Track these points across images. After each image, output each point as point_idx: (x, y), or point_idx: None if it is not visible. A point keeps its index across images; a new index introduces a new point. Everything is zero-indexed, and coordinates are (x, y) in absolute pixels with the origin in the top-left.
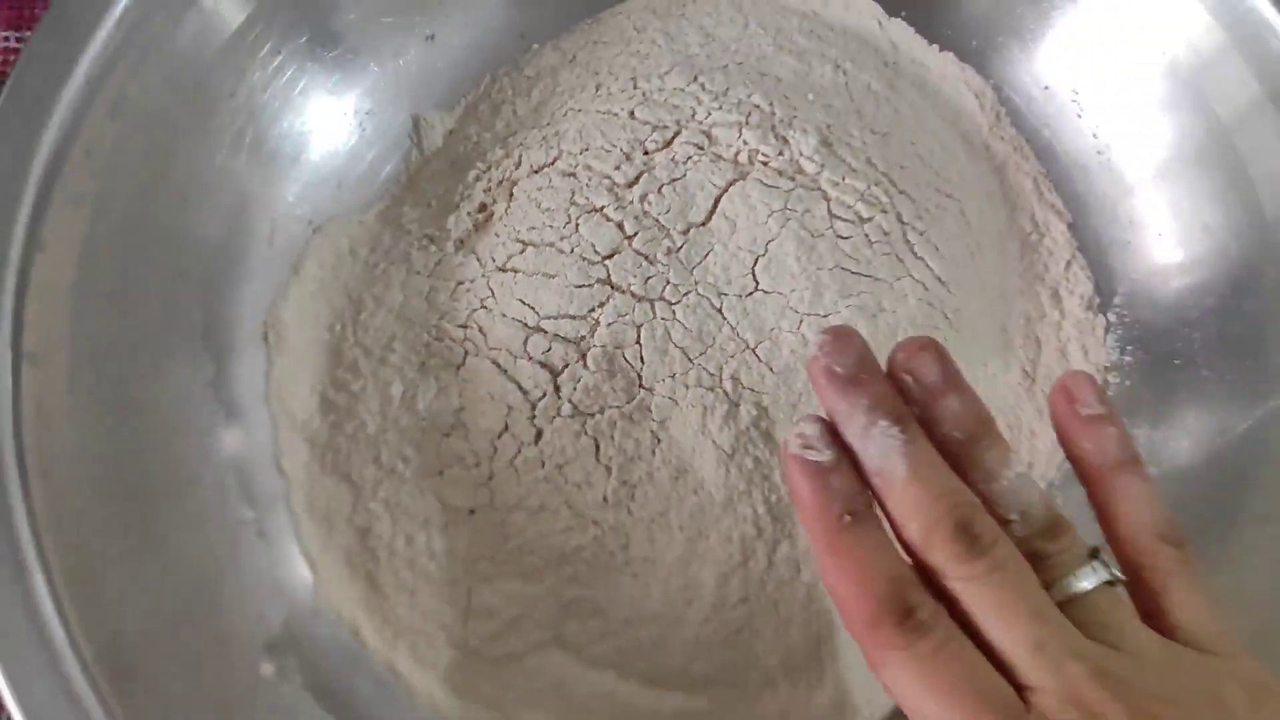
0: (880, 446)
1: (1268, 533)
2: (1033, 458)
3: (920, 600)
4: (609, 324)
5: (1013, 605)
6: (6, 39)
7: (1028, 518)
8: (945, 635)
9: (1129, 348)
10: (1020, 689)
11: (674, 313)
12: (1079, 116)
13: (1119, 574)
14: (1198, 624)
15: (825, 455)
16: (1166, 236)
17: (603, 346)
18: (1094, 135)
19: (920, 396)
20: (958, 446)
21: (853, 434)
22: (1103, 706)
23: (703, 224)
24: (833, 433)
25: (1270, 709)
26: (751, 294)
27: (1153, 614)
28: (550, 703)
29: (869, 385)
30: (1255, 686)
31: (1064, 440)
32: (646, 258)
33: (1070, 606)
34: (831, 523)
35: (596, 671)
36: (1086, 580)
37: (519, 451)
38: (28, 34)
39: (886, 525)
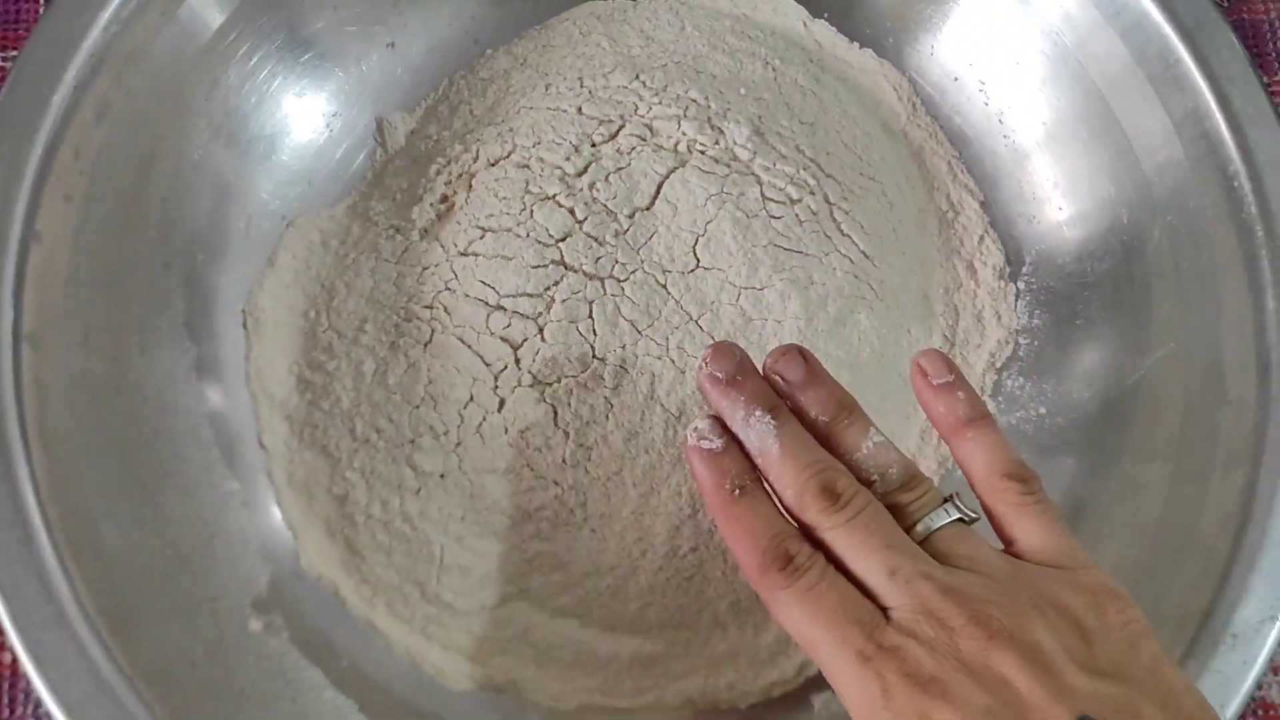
0: (758, 432)
1: (1155, 469)
2: None
3: (798, 549)
4: (563, 300)
5: (870, 542)
6: None
7: (886, 477)
8: (819, 573)
9: (1037, 311)
10: (884, 610)
11: (623, 289)
12: (986, 104)
13: (970, 513)
14: (1045, 545)
15: (715, 443)
16: (1065, 209)
17: (558, 321)
18: (1000, 120)
19: (788, 390)
20: (824, 427)
21: (736, 424)
22: (947, 613)
23: (647, 208)
24: (722, 425)
25: (1113, 610)
26: (693, 271)
27: (1008, 543)
28: (518, 650)
29: (745, 385)
30: (1099, 590)
31: (924, 406)
32: (596, 240)
33: (927, 543)
34: (725, 496)
35: (560, 620)
36: (939, 519)
37: (484, 419)
38: (14, 53)
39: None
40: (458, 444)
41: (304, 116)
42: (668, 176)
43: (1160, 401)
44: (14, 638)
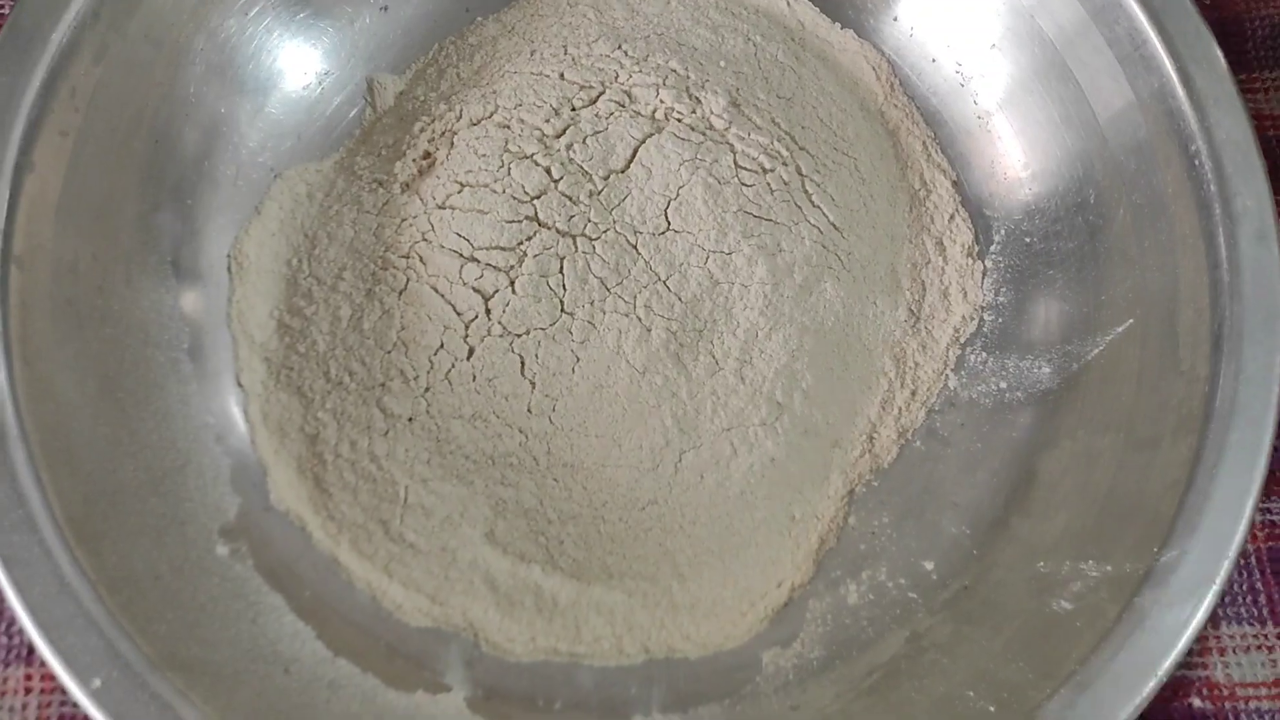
0: None
1: (1108, 439)
2: (915, 387)
3: None
4: (535, 255)
5: None
6: None
7: None
8: None
9: (1003, 289)
10: None
11: (594, 248)
12: (961, 85)
13: None
14: None
15: None
16: (1035, 189)
17: (529, 275)
18: (974, 102)
19: None
20: None
21: None
22: None
23: (622, 171)
24: None
25: None
26: (664, 233)
27: None
28: (479, 592)
29: None
30: None
31: None
32: (570, 199)
33: None
34: None
35: (525, 565)
36: None
37: (453, 366)
38: None
39: None
40: (426, 389)
41: (297, 72)
42: (644, 141)
43: (1117, 374)
44: None
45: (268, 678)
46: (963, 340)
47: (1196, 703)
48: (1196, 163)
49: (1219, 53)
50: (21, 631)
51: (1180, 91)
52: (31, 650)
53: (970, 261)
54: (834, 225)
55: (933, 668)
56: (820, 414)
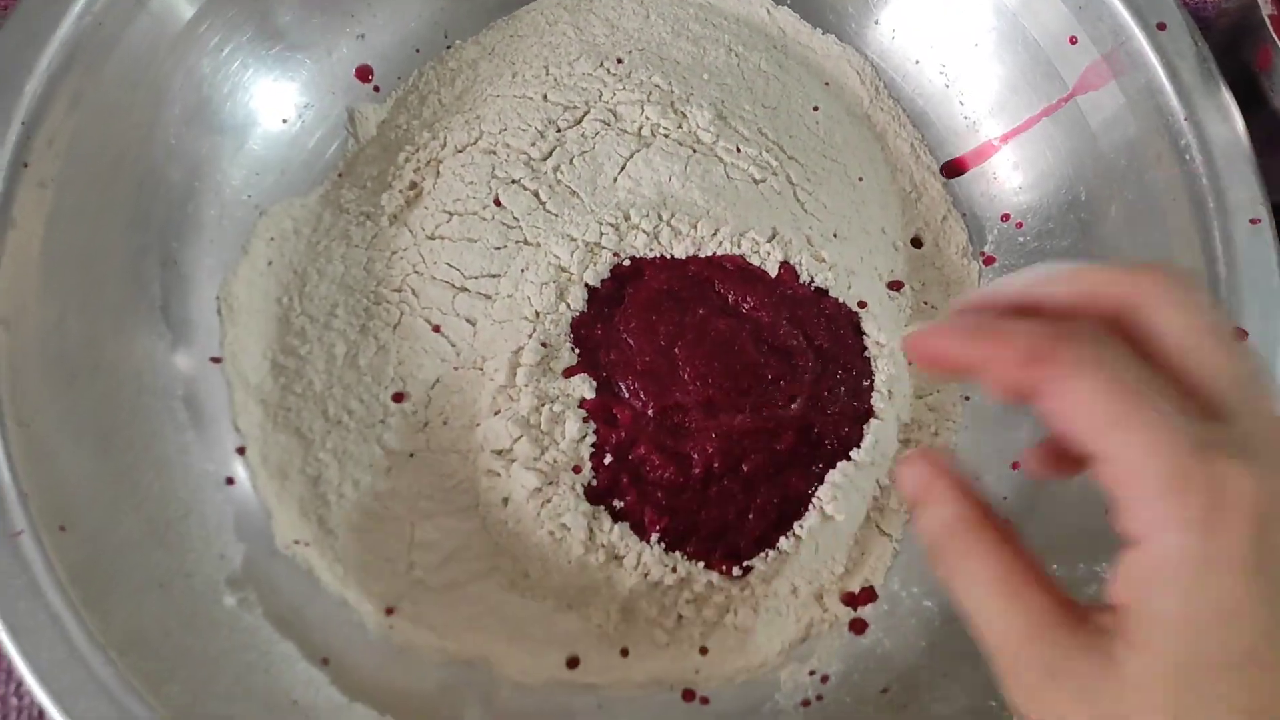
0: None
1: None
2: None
3: None
4: (521, 270)
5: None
6: None
7: None
8: None
9: None
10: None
11: None
12: (947, 86)
13: None
14: None
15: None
16: (1025, 188)
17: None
18: (960, 102)
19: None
20: None
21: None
22: None
23: (610, 186)
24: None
25: None
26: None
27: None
28: (489, 626)
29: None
30: None
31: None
32: (556, 215)
33: None
34: None
35: (529, 598)
36: None
37: (449, 399)
38: None
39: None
40: (425, 424)
41: (276, 107)
42: (631, 158)
43: None
44: None
45: None
46: None
47: None
48: (1187, 157)
49: (1202, 45)
50: (31, 692)
51: (1168, 86)
52: (42, 714)
53: (966, 262)
54: (828, 233)
55: (954, 678)
56: None
